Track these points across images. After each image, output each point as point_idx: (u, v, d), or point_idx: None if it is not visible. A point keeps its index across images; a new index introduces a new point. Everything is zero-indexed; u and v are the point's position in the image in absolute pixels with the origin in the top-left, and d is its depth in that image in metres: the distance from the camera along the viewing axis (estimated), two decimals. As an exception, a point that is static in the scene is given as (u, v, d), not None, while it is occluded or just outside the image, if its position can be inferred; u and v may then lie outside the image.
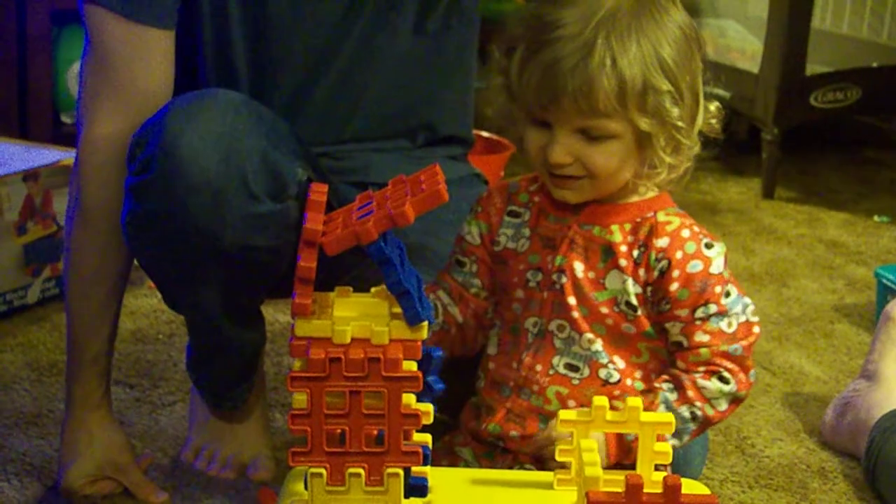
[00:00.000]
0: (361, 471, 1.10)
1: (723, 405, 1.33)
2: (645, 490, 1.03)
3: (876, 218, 2.82)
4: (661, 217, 1.35)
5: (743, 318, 1.34)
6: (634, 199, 1.36)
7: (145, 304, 2.14)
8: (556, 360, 1.36)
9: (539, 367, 1.36)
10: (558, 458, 1.21)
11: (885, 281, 2.15)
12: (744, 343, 1.33)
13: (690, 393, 1.32)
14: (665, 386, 1.33)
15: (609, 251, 1.34)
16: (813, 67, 2.92)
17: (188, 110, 1.37)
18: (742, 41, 3.18)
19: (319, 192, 1.13)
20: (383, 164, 1.59)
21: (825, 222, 2.78)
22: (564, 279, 1.35)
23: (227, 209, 1.37)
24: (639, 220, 1.35)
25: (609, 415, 1.17)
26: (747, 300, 1.35)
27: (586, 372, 1.35)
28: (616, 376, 1.35)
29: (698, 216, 2.78)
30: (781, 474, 1.72)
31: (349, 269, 1.47)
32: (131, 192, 1.40)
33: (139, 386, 1.87)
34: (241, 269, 1.42)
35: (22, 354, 1.96)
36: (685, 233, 1.34)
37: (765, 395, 1.94)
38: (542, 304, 1.37)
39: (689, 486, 1.19)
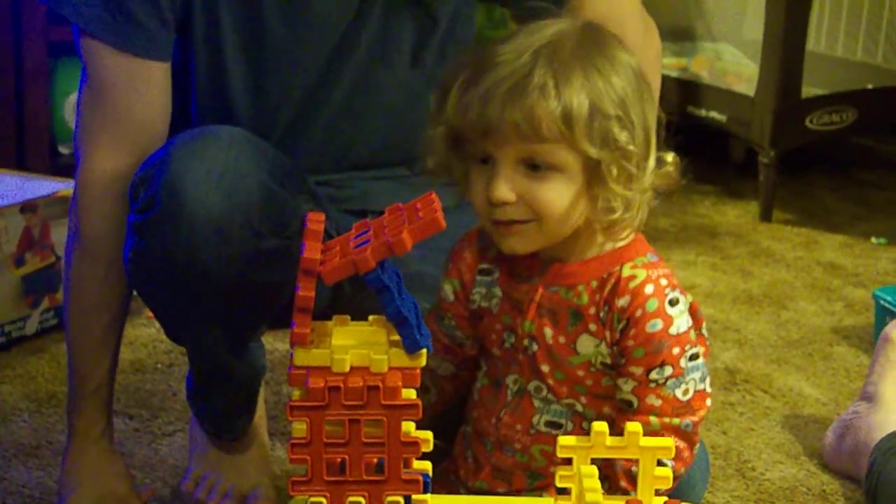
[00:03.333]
0: (362, 499, 1.10)
1: (668, 467, 1.23)
2: None
3: (873, 240, 2.82)
4: (626, 272, 1.26)
5: (701, 387, 1.27)
6: (599, 251, 1.28)
7: (144, 333, 2.14)
8: (535, 419, 1.32)
9: (519, 427, 1.32)
10: (559, 483, 1.20)
11: (883, 303, 2.15)
12: (695, 418, 1.27)
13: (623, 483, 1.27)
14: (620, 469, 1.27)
15: (577, 314, 1.28)
16: (808, 90, 2.94)
17: (191, 148, 1.38)
18: (738, 64, 3.19)
19: (317, 222, 1.14)
20: (382, 192, 1.59)
21: (823, 244, 2.79)
22: (536, 346, 1.30)
23: (230, 247, 1.37)
24: (605, 275, 1.27)
25: (609, 440, 1.17)
26: (706, 370, 1.27)
27: (570, 427, 1.31)
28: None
29: (696, 240, 2.81)
30: (782, 497, 1.71)
31: (351, 299, 1.48)
32: (134, 230, 1.40)
33: (138, 416, 1.87)
34: (244, 304, 1.42)
35: (21, 386, 1.96)
36: (648, 289, 1.26)
37: (765, 417, 1.94)
38: (521, 365, 1.33)
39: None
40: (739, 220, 2.95)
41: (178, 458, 1.74)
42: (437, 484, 1.37)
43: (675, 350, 1.25)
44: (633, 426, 1.18)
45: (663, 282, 1.26)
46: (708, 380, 1.28)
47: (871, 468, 1.67)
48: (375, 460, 1.10)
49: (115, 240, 1.46)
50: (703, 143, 3.33)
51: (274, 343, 2.08)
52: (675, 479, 1.22)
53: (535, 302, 1.29)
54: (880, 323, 2.10)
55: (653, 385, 1.25)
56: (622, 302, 1.25)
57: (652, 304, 1.24)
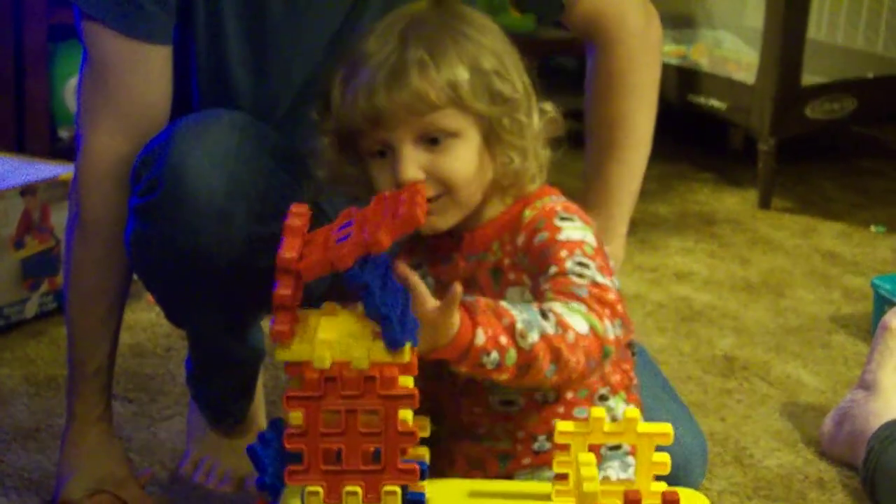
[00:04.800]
0: (359, 489, 1.09)
1: (581, 324, 1.18)
2: (644, 503, 1.03)
3: (872, 228, 2.82)
4: (526, 214, 1.27)
5: (600, 279, 1.20)
6: (505, 207, 1.29)
7: (143, 318, 2.14)
8: (491, 398, 1.30)
9: (477, 410, 1.31)
10: (556, 468, 1.20)
11: (881, 291, 2.15)
12: (590, 284, 1.20)
13: (546, 305, 1.20)
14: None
15: (497, 271, 1.28)
16: (808, 78, 2.93)
17: (194, 131, 1.38)
18: (738, 52, 3.19)
19: (298, 216, 1.12)
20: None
21: (822, 232, 2.79)
22: None
23: (232, 230, 1.37)
24: (512, 225, 1.28)
25: (607, 426, 1.17)
26: (607, 279, 1.22)
27: (521, 402, 1.29)
28: (553, 394, 1.28)
29: (695, 227, 2.82)
30: (780, 485, 1.72)
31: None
32: (136, 213, 1.40)
33: (137, 400, 1.87)
34: (244, 288, 1.42)
35: (20, 369, 1.96)
36: (539, 215, 1.26)
37: (762, 405, 1.95)
38: None
39: (688, 497, 1.19)
40: (738, 207, 2.95)
41: (177, 442, 1.74)
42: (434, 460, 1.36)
43: (563, 253, 1.22)
44: (631, 412, 1.18)
45: (558, 208, 1.26)
46: (614, 280, 1.23)
47: (869, 456, 1.67)
48: (372, 449, 1.10)
49: (115, 223, 1.46)
50: (703, 130, 3.33)
51: (273, 328, 2.08)
52: (597, 335, 1.18)
53: (460, 277, 1.28)
54: (879, 311, 2.10)
55: (542, 281, 1.22)
56: (521, 239, 1.26)
57: (541, 224, 1.25)
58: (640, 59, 1.55)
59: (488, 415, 1.30)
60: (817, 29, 3.27)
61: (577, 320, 1.18)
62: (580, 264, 1.21)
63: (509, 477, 1.30)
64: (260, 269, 1.40)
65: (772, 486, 1.71)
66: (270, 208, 1.39)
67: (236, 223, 1.37)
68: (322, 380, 1.06)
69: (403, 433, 1.08)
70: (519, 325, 1.16)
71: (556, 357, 1.17)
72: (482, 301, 1.17)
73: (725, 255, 2.62)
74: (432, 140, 1.24)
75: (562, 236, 1.23)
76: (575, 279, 1.20)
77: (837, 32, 3.29)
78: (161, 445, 1.74)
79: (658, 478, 1.19)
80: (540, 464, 1.28)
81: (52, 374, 1.93)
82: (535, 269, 1.24)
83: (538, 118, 1.28)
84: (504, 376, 1.17)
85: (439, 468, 1.30)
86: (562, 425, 1.18)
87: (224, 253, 1.37)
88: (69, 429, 1.57)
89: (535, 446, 1.28)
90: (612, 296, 1.21)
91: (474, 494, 1.23)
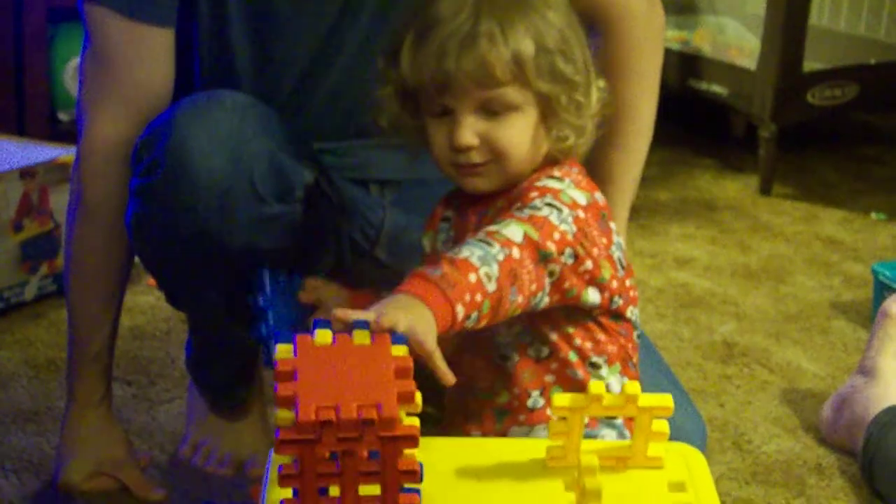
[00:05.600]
0: None
1: (516, 233, 1.20)
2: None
3: (873, 215, 2.82)
4: (534, 180, 1.28)
5: (553, 218, 1.22)
6: (530, 175, 1.30)
7: (143, 301, 2.14)
8: (492, 354, 1.31)
9: (479, 363, 1.32)
10: (551, 437, 1.19)
11: (881, 278, 2.15)
12: (536, 215, 1.22)
13: (484, 229, 1.21)
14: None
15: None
16: (810, 64, 2.93)
17: (195, 113, 1.38)
18: (740, 38, 3.18)
19: (285, 362, 1.02)
20: (384, 161, 1.59)
21: (822, 219, 2.79)
22: None
23: (234, 212, 1.37)
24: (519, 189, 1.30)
25: (606, 399, 1.16)
26: (570, 222, 1.23)
27: (516, 358, 1.31)
28: (546, 350, 1.30)
29: (695, 213, 2.81)
30: (779, 470, 1.72)
31: (351, 268, 1.48)
32: (137, 194, 1.40)
33: (137, 383, 1.87)
34: (246, 269, 1.42)
35: (19, 352, 1.96)
36: (535, 178, 1.28)
37: (762, 391, 1.95)
38: None
39: (682, 451, 1.19)
40: (739, 193, 2.95)
41: (176, 425, 1.74)
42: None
43: (533, 194, 1.26)
44: (631, 386, 1.16)
45: (555, 172, 1.28)
46: (565, 224, 1.23)
47: (868, 442, 1.67)
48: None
49: (116, 206, 1.45)
50: (704, 116, 3.33)
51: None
52: (532, 242, 1.19)
53: (469, 230, 1.30)
54: (879, 298, 2.10)
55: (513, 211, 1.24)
56: (514, 194, 1.28)
57: (532, 181, 1.28)
58: (644, 46, 1.54)
59: (489, 369, 1.32)
60: (819, 15, 3.27)
61: (513, 230, 1.20)
62: (549, 204, 1.24)
63: (504, 433, 1.31)
64: (261, 250, 1.41)
65: (770, 471, 1.72)
66: (272, 189, 1.39)
67: (237, 204, 1.37)
68: (317, 423, 0.97)
69: (405, 472, 1.02)
70: (482, 271, 1.16)
71: (514, 278, 1.19)
72: (445, 266, 1.16)
73: (726, 242, 2.62)
74: (492, 111, 1.27)
75: (539, 183, 1.27)
76: (526, 211, 1.22)
77: (840, 18, 3.29)
78: (160, 428, 1.75)
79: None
80: (535, 422, 1.29)
81: (52, 356, 1.93)
82: (504, 203, 1.27)
83: (596, 97, 1.31)
84: (482, 324, 1.19)
85: (437, 418, 1.31)
86: (558, 398, 1.16)
87: (224, 233, 1.37)
88: (69, 411, 1.57)
89: (530, 403, 1.30)
90: (556, 227, 1.22)
91: (467, 454, 1.20)
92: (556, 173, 1.29)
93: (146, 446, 1.69)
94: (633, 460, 1.17)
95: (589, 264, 1.25)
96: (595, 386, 1.16)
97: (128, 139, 1.44)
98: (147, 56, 1.45)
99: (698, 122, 3.36)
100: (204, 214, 1.36)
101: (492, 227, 1.21)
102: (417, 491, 1.04)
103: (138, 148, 1.41)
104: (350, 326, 1.06)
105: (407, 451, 1.01)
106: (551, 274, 1.22)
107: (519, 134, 1.27)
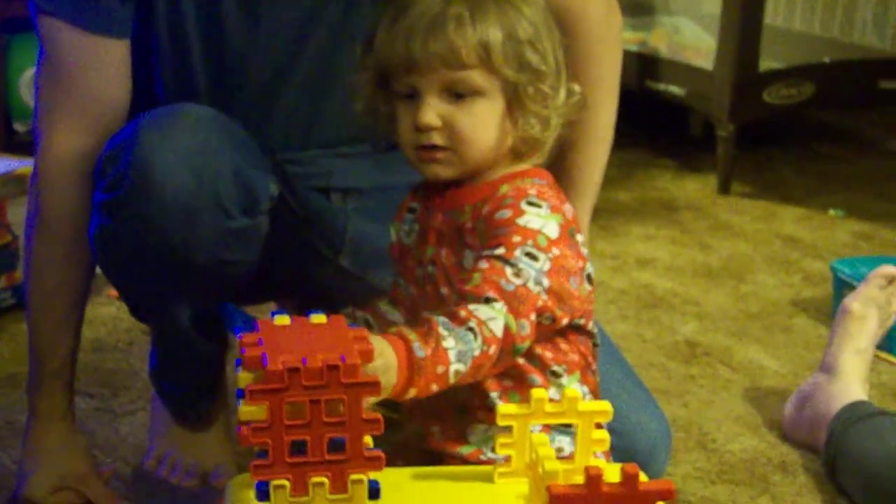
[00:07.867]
0: (325, 479, 1.09)
1: (499, 326, 1.21)
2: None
3: (831, 212, 2.84)
4: (503, 189, 1.29)
5: (531, 285, 1.22)
6: (494, 175, 1.31)
7: (104, 312, 2.13)
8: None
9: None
10: (499, 451, 1.21)
11: (841, 275, 2.17)
12: (519, 285, 1.22)
13: (463, 313, 1.22)
14: (439, 318, 1.23)
15: (461, 232, 1.31)
16: (766, 64, 2.95)
17: (159, 126, 1.37)
18: (696, 39, 3.20)
19: (249, 335, 1.11)
20: (347, 169, 1.59)
21: (781, 217, 2.81)
22: (434, 269, 1.32)
23: (199, 226, 1.36)
24: (488, 194, 1.30)
25: (549, 406, 1.18)
26: (544, 281, 1.23)
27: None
28: None
29: (655, 213, 2.83)
30: (743, 469, 1.73)
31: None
32: (102, 209, 1.39)
33: (99, 395, 1.86)
34: (211, 282, 1.41)
35: (-20, 366, 1.95)
36: (511, 193, 1.28)
37: (725, 390, 1.96)
38: (429, 297, 1.33)
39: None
40: (698, 193, 2.96)
41: (140, 437, 1.73)
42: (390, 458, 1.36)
43: (516, 238, 1.24)
44: (571, 392, 1.18)
45: (531, 191, 1.28)
46: (545, 282, 1.24)
47: (830, 438, 1.69)
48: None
49: (77, 219, 1.44)
50: (662, 117, 3.35)
51: (235, 320, 2.07)
52: (509, 333, 1.21)
53: (434, 227, 1.32)
54: (838, 295, 2.12)
55: (485, 253, 1.24)
56: (486, 208, 1.28)
57: (509, 201, 1.27)
58: (603, 51, 1.55)
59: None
60: (774, 14, 3.30)
61: (497, 324, 1.21)
62: (528, 255, 1.23)
63: (464, 431, 1.32)
64: (226, 263, 1.40)
65: (735, 470, 1.72)
66: (237, 203, 1.38)
67: (202, 218, 1.36)
68: (285, 371, 1.05)
69: (368, 420, 1.08)
70: (452, 368, 1.19)
71: (477, 370, 1.21)
72: (429, 349, 1.18)
73: (687, 241, 2.64)
74: (457, 94, 1.27)
75: (521, 220, 1.25)
76: (509, 272, 1.22)
77: (794, 18, 3.32)
78: (123, 441, 1.74)
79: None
80: (494, 421, 1.29)
81: (13, 371, 1.92)
82: (486, 241, 1.26)
83: (565, 95, 1.31)
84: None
85: (397, 421, 1.32)
86: (503, 408, 1.19)
87: (190, 247, 1.37)
88: (31, 426, 1.55)
89: (488, 402, 1.30)
90: (540, 302, 1.23)
91: (419, 477, 1.22)
92: (532, 192, 1.27)
93: (110, 459, 1.68)
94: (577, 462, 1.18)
95: (565, 320, 1.27)
96: (537, 392, 1.18)
97: (85, 152, 1.43)
98: (102, 68, 1.44)
99: (657, 122, 3.38)
100: (169, 229, 1.36)
101: (479, 313, 1.19)
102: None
103: (102, 162, 1.40)
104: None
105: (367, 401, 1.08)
106: (516, 352, 1.24)
107: (482, 120, 1.28)
